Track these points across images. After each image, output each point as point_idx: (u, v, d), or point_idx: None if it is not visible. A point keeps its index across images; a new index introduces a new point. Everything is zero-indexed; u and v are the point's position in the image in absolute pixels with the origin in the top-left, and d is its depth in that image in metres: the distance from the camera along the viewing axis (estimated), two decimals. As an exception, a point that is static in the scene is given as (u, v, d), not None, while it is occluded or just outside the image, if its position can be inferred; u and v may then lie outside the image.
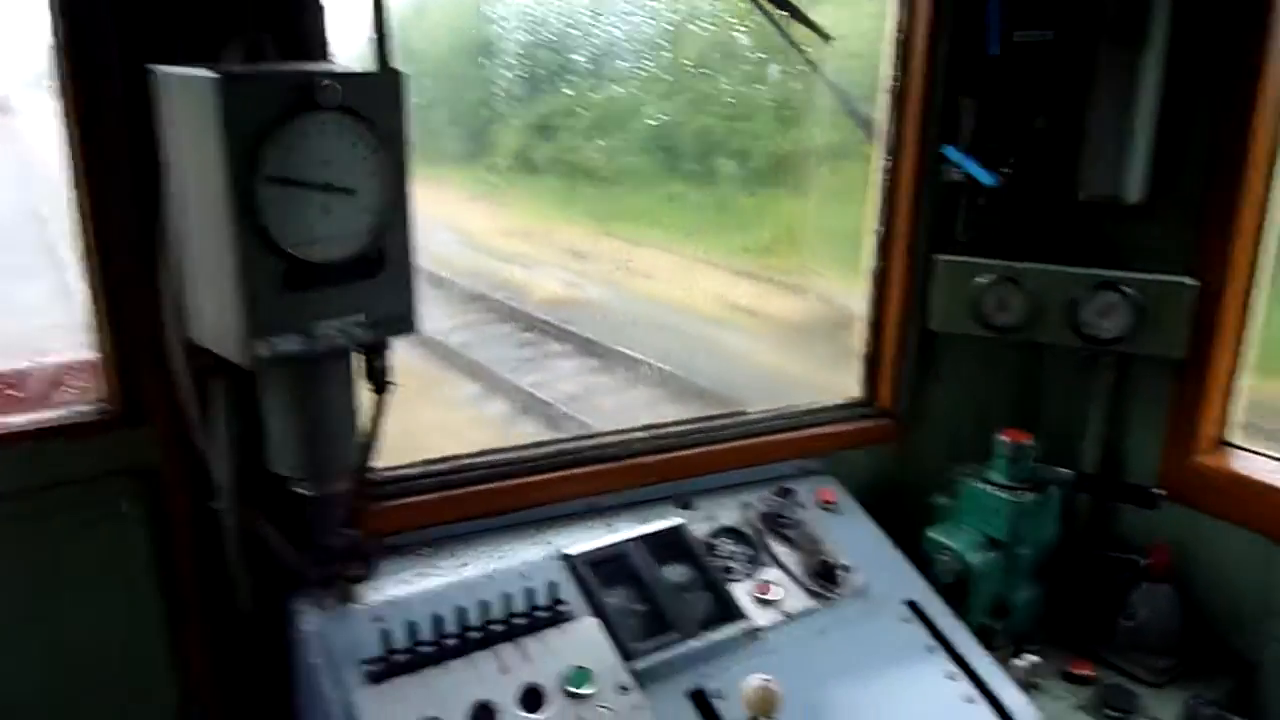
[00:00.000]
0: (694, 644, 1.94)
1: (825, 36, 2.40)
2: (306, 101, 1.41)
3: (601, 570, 2.02)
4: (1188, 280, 2.30)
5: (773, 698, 1.67)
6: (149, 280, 1.64)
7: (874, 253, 2.64)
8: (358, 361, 1.68)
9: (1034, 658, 2.29)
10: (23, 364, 1.91)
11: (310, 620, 1.79)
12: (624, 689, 1.80)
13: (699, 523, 2.24)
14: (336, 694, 1.68)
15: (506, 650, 1.79)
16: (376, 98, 1.48)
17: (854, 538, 2.34)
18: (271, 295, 1.44)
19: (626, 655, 1.86)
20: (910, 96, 2.47)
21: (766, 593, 2.12)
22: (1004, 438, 2.38)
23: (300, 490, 1.68)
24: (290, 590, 1.84)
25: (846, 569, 2.23)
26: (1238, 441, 2.46)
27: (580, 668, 1.79)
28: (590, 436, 2.31)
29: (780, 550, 2.24)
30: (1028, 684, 2.24)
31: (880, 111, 2.54)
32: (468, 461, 2.13)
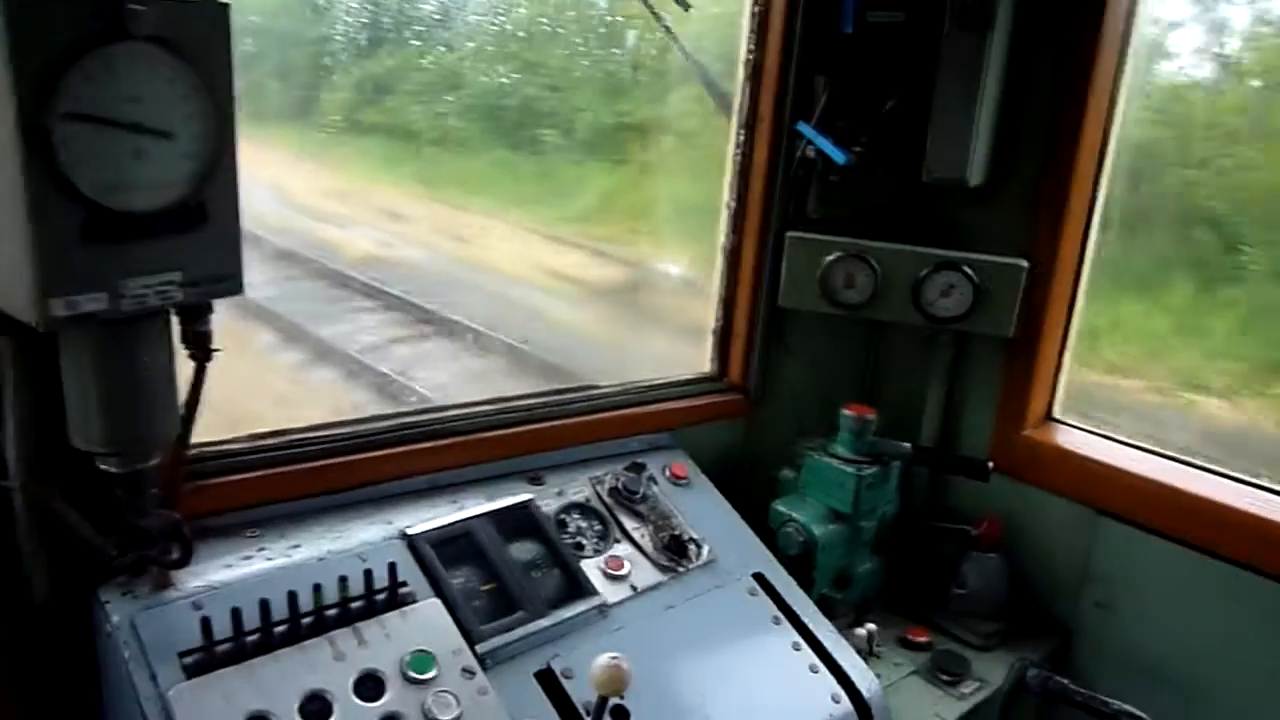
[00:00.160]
0: (542, 623, 1.88)
1: (685, 5, 2.37)
2: (114, 28, 1.25)
3: (445, 549, 1.93)
4: (1020, 262, 2.40)
5: (621, 675, 1.63)
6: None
7: (726, 228, 2.63)
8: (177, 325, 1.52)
9: (873, 626, 2.36)
10: None
11: (119, 610, 1.62)
12: (469, 672, 1.72)
13: (548, 499, 2.18)
14: (149, 690, 1.53)
15: (342, 636, 1.68)
16: (197, 30, 1.33)
17: (703, 512, 2.34)
18: (69, 247, 1.28)
19: (472, 637, 1.78)
20: (766, 72, 2.47)
21: (617, 568, 2.08)
22: (848, 412, 2.43)
23: (106, 467, 1.51)
24: (98, 579, 1.66)
25: (696, 543, 2.22)
26: (1062, 417, 2.60)
27: (422, 652, 1.70)
28: (434, 410, 2.21)
29: (631, 525, 2.21)
30: (868, 652, 2.30)
31: (736, 85, 2.53)
32: (299, 436, 1.99)
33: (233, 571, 1.74)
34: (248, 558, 1.79)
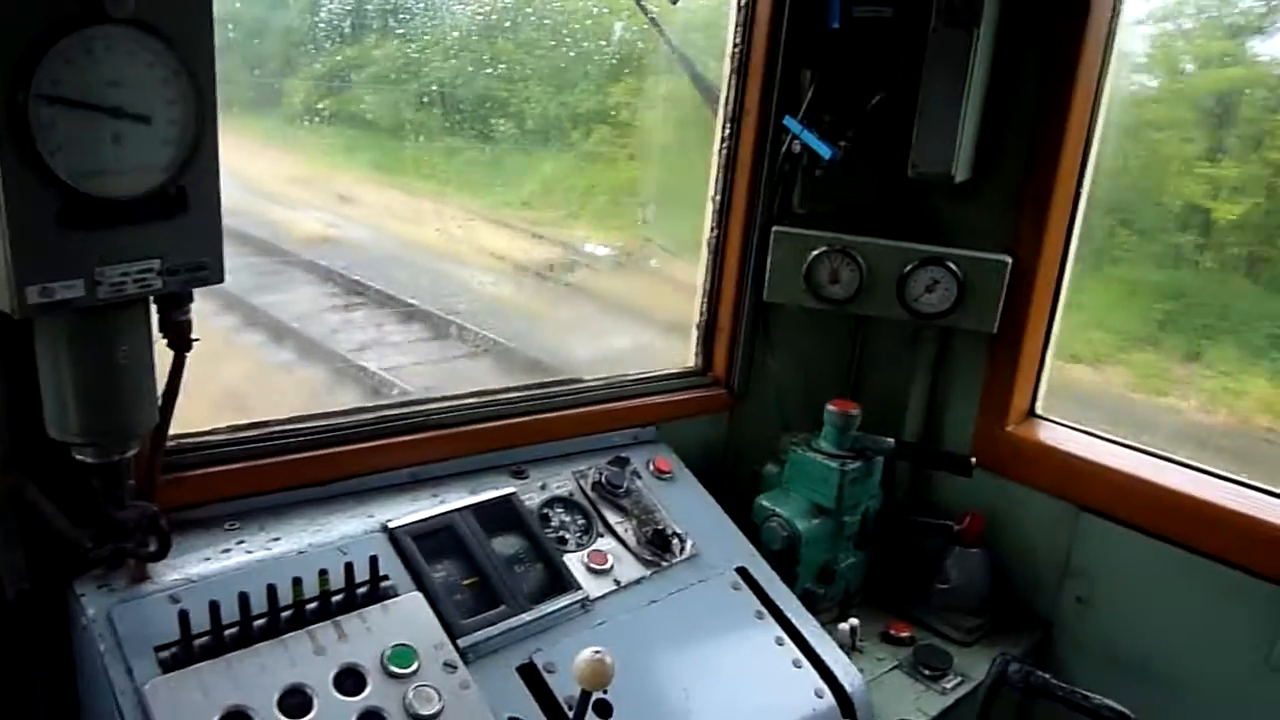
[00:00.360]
0: (525, 617, 1.87)
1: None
2: (93, 10, 1.23)
3: (426, 543, 1.91)
4: (1004, 258, 2.40)
5: (604, 670, 1.62)
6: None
7: (711, 222, 2.62)
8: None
9: (856, 621, 2.36)
10: None
11: (95, 603, 1.60)
12: (450, 667, 1.71)
13: (531, 492, 2.17)
14: (125, 684, 1.51)
15: (322, 630, 1.67)
16: (178, 13, 1.31)
17: (687, 506, 2.33)
18: (46, 233, 1.26)
19: (453, 631, 1.77)
20: (752, 65, 2.46)
21: (600, 562, 2.07)
22: (833, 407, 2.43)
23: (82, 458, 1.49)
24: (73, 571, 1.64)
25: (679, 537, 2.21)
26: (1044, 413, 2.61)
27: (403, 646, 1.69)
28: (416, 403, 2.19)
29: (614, 519, 2.20)
30: (850, 646, 2.31)
31: (722, 79, 2.52)
32: (280, 428, 1.97)
33: (211, 564, 1.72)
34: (226, 551, 1.77)
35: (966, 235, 2.48)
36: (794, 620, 2.16)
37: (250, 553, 1.78)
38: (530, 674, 1.80)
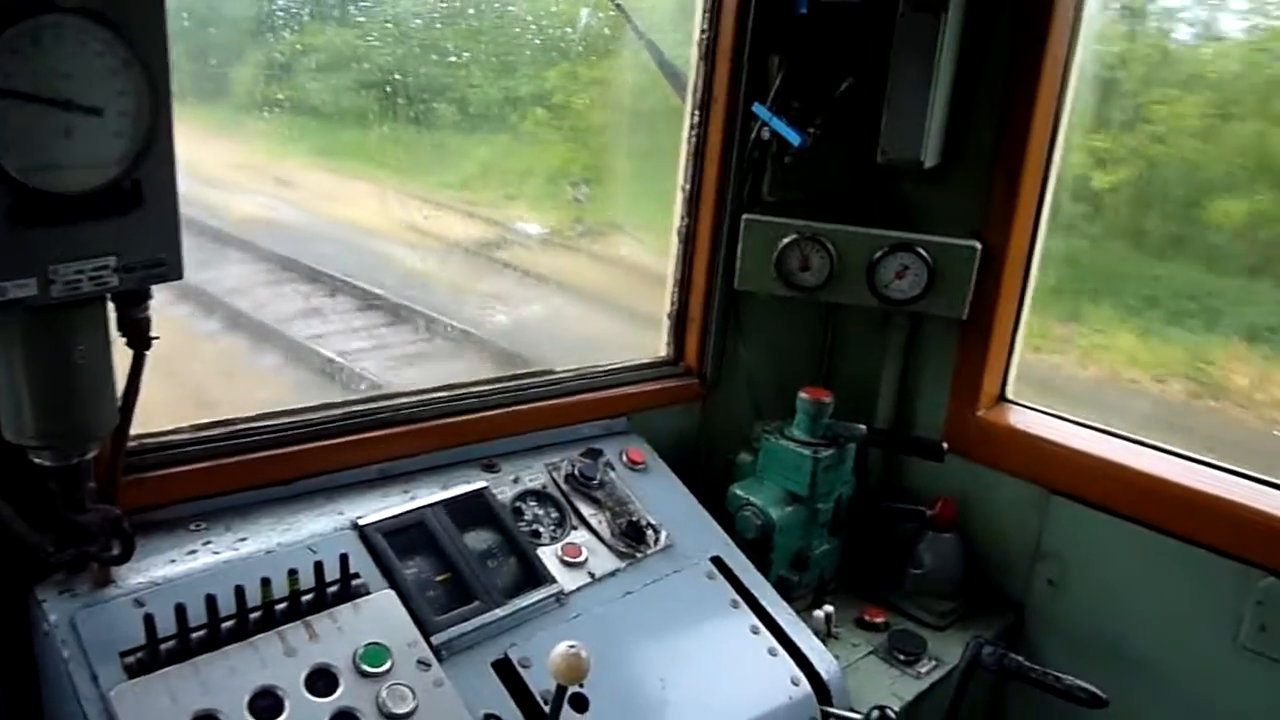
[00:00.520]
0: (499, 612, 1.86)
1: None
2: (39, -1, 1.19)
3: (398, 540, 1.89)
4: (974, 243, 2.41)
5: (580, 664, 1.61)
6: None
7: (681, 210, 2.61)
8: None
9: (830, 608, 2.36)
10: None
11: (57, 609, 1.56)
12: (424, 664, 1.69)
13: (503, 486, 2.15)
14: (90, 690, 1.48)
15: (293, 631, 1.64)
16: (128, 1, 1.27)
17: (661, 497, 2.32)
18: (-4, 230, 1.22)
19: (427, 629, 1.75)
20: (720, 52, 2.44)
21: (574, 555, 2.06)
22: (805, 395, 2.43)
23: (40, 461, 1.45)
24: (35, 577, 1.60)
25: (654, 528, 2.20)
26: (1015, 397, 2.62)
27: (375, 645, 1.67)
28: (384, 398, 2.16)
29: (588, 511, 2.19)
30: (825, 633, 2.31)
31: (690, 65, 2.50)
32: (245, 426, 1.93)
33: (177, 567, 1.69)
34: (192, 552, 1.74)
35: (936, 221, 2.48)
36: (769, 608, 2.16)
37: (217, 554, 1.74)
38: (505, 670, 1.79)
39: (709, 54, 2.46)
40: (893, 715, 1.91)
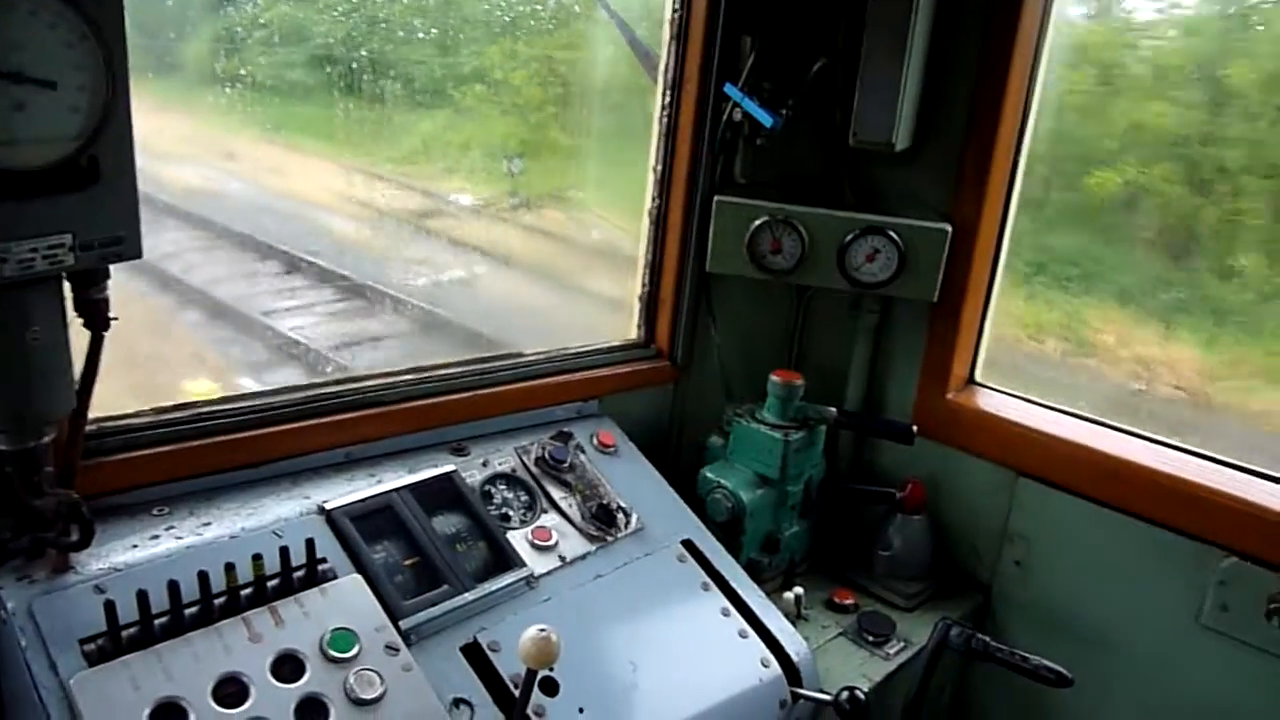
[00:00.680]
0: (468, 596, 1.84)
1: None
2: (-14, -33, 1.14)
3: (365, 524, 1.86)
4: (944, 226, 2.41)
5: (550, 648, 1.60)
6: None
7: (653, 192, 2.59)
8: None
9: (800, 590, 2.37)
10: None
11: (14, 596, 1.52)
12: (392, 649, 1.67)
13: (473, 470, 2.13)
14: (49, 679, 1.45)
15: (258, 616, 1.62)
16: (81, -29, 1.23)
17: (631, 480, 2.31)
18: (-56, 207, 1.18)
19: (395, 613, 1.73)
20: (692, 32, 2.42)
21: (544, 539, 2.05)
22: (776, 378, 2.42)
23: (-7, 445, 1.41)
24: (-10, 564, 1.56)
25: (625, 511, 2.19)
26: (984, 380, 2.64)
27: (342, 630, 1.65)
28: (350, 380, 2.13)
29: (558, 495, 2.17)
30: (795, 615, 2.32)
31: (661, 45, 2.48)
32: (208, 409, 1.90)
33: (139, 552, 1.66)
34: (155, 537, 1.71)
35: (907, 204, 2.48)
36: (739, 591, 2.16)
37: (180, 539, 1.71)
38: (475, 654, 1.77)
39: (680, 34, 2.44)
40: (861, 696, 1.92)
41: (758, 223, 2.46)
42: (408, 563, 1.87)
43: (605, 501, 2.18)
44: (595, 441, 2.36)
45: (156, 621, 1.54)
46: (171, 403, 1.87)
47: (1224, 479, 2.18)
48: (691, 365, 2.68)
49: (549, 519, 2.12)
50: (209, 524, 1.77)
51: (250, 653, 1.56)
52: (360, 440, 2.08)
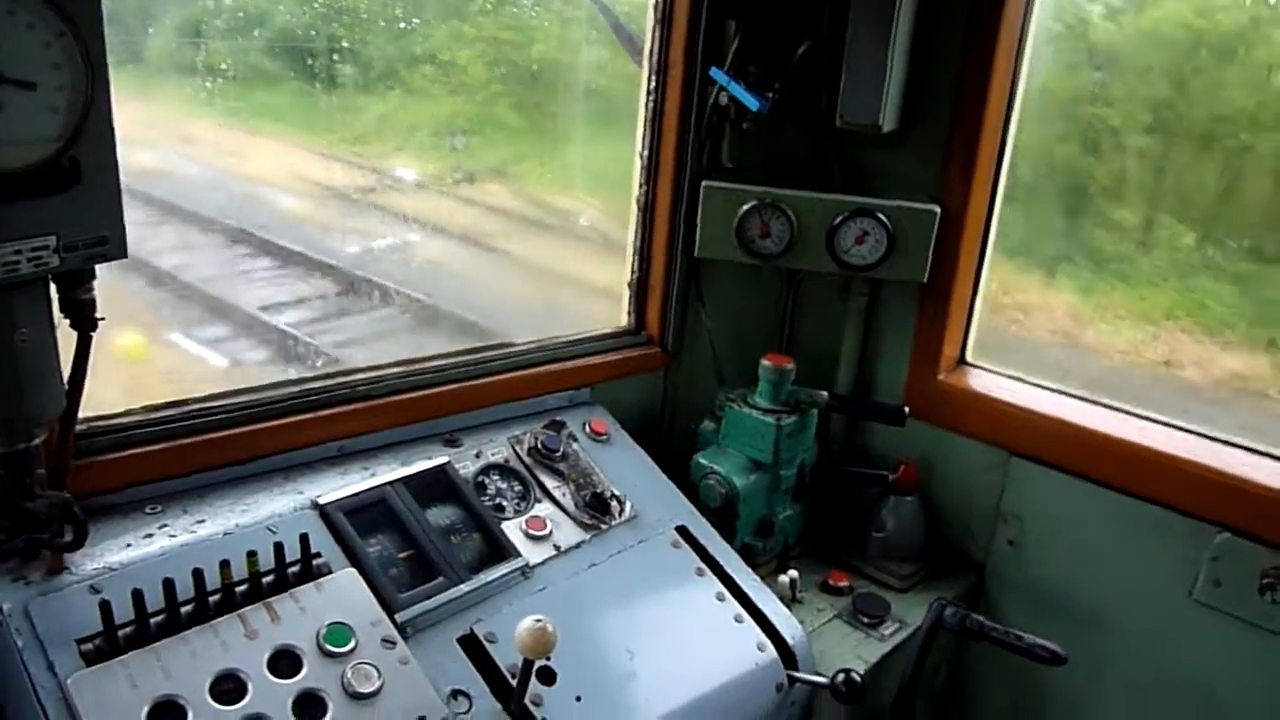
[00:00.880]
0: (463, 588, 1.84)
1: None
2: (-38, -33, 1.13)
3: (359, 518, 1.87)
4: (933, 207, 2.41)
5: (546, 637, 1.61)
6: None
7: (640, 178, 2.58)
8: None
9: (795, 573, 2.38)
10: None
11: (10, 598, 1.52)
12: (389, 643, 1.68)
13: (466, 461, 2.13)
14: (47, 680, 1.45)
15: (253, 613, 1.62)
16: (58, -31, 1.22)
17: (624, 467, 2.32)
18: (-74, 211, 1.17)
19: (391, 606, 1.74)
20: (677, 16, 2.40)
21: (539, 528, 2.05)
22: (767, 362, 2.43)
23: (-16, 448, 1.41)
24: (-15, 566, 1.56)
25: (618, 499, 2.20)
26: (975, 360, 2.64)
27: (338, 624, 1.65)
28: (341, 374, 2.13)
29: (551, 484, 2.18)
30: (790, 598, 2.33)
31: (645, 30, 2.46)
32: (199, 406, 1.89)
33: (133, 551, 1.66)
34: (149, 536, 1.71)
35: (896, 185, 2.48)
36: (734, 576, 2.17)
37: (174, 537, 1.71)
38: (472, 645, 1.78)
39: (665, 18, 2.42)
40: (857, 679, 1.94)
41: (746, 207, 2.46)
42: (402, 556, 1.87)
43: (599, 490, 2.19)
44: (588, 430, 2.37)
45: (153, 620, 1.54)
46: (162, 400, 1.87)
47: (1216, 455, 2.20)
48: (682, 351, 2.68)
49: (543, 508, 2.12)
50: (202, 521, 1.77)
51: (247, 649, 1.57)
52: (352, 434, 2.08)
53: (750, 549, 2.40)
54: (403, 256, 3.19)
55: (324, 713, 1.54)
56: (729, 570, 2.18)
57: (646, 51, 2.47)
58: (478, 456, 2.16)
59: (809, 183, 2.50)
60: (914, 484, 2.55)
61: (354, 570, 1.76)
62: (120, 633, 1.51)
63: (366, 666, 1.62)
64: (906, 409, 2.43)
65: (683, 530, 2.23)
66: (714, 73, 2.37)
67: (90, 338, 1.50)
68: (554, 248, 2.84)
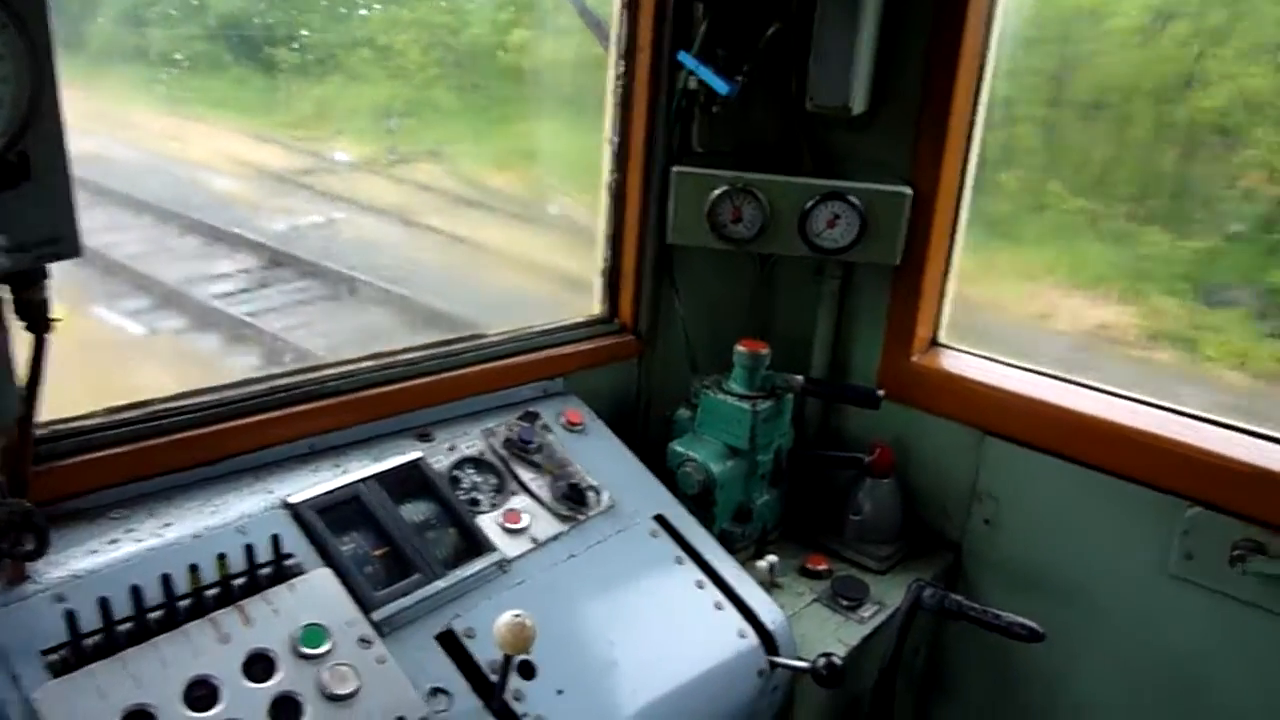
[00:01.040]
0: (440, 584, 1.82)
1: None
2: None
3: (331, 516, 1.83)
4: (904, 189, 2.40)
5: (525, 632, 1.59)
6: None
7: (610, 165, 2.55)
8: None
9: (774, 558, 2.38)
10: None
11: (-31, 610, 1.48)
12: (365, 642, 1.65)
13: (439, 455, 2.10)
14: (12, 694, 1.41)
15: (225, 617, 1.58)
16: (-2, -43, 1.17)
17: (601, 457, 2.30)
18: None
19: (366, 605, 1.71)
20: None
21: (515, 521, 2.03)
22: (741, 348, 2.41)
23: (-63, 456, 1.36)
24: (-57, 577, 1.52)
25: (595, 489, 2.18)
26: (948, 341, 2.65)
27: (313, 625, 1.62)
28: (310, 370, 2.08)
29: (527, 476, 2.15)
30: (770, 583, 2.33)
31: (613, 14, 2.43)
32: (163, 406, 1.84)
33: (98, 558, 1.62)
34: (114, 541, 1.66)
35: (867, 168, 2.47)
36: (713, 562, 2.16)
37: (140, 541, 1.67)
38: (450, 642, 1.76)
39: (632, 2, 2.39)
40: (838, 663, 1.93)
41: (717, 192, 2.44)
42: (377, 553, 1.84)
43: (575, 481, 2.17)
44: (562, 420, 2.34)
45: (120, 628, 1.50)
46: (124, 402, 1.82)
47: (1185, 430, 2.21)
48: (656, 339, 2.66)
49: (519, 501, 2.10)
50: (170, 525, 1.72)
51: (220, 654, 1.53)
52: (322, 431, 2.04)
53: (729, 535, 2.39)
54: (329, 233, 3.22)
55: (301, 715, 1.51)
56: (708, 557, 2.17)
57: (614, 36, 2.44)
58: (451, 450, 2.13)
59: (780, 166, 2.48)
60: (890, 466, 2.55)
61: (328, 570, 1.73)
62: (87, 642, 1.47)
63: (343, 668, 1.59)
64: (881, 391, 2.43)
65: (661, 519, 2.22)
66: (682, 56, 2.35)
67: (45, 339, 1.46)
68: (479, 223, 2.87)
